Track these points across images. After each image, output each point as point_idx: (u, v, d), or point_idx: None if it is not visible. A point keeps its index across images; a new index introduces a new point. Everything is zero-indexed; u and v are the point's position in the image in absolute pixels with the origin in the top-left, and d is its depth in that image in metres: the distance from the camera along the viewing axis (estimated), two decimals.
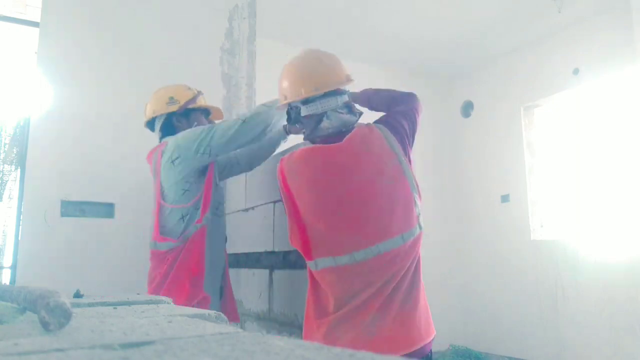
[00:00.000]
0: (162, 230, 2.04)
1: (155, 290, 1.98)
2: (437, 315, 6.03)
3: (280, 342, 0.55)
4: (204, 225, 2.05)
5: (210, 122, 2.28)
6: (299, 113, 1.72)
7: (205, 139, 1.99)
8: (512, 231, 5.00)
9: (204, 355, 0.50)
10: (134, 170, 3.00)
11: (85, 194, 2.90)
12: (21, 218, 2.81)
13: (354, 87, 1.89)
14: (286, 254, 2.36)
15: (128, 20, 3.19)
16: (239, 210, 2.95)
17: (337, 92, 1.70)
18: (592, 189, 4.48)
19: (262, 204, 2.62)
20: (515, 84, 5.14)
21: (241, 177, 2.95)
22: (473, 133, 5.62)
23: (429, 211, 5.56)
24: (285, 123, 1.86)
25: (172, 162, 2.02)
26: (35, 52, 2.97)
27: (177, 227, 2.03)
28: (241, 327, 2.57)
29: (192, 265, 2.00)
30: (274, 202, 2.48)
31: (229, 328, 0.72)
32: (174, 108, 2.15)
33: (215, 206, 2.16)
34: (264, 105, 2.09)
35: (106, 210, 2.94)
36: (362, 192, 1.60)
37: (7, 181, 3.06)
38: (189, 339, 0.60)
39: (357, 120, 1.74)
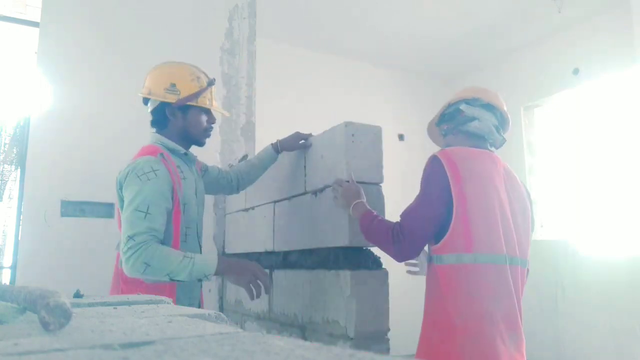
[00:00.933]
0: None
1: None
2: None
3: (280, 342, 0.55)
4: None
5: (210, 121, 2.01)
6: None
7: (128, 209, 1.67)
8: None
9: (204, 355, 0.50)
10: None
11: (85, 194, 2.90)
12: (21, 218, 2.81)
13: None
14: (286, 254, 2.37)
15: (128, 20, 3.19)
16: (239, 210, 2.96)
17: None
18: (592, 188, 4.48)
19: (262, 204, 2.62)
20: (515, 84, 5.14)
21: None
22: None
23: None
24: None
25: (118, 187, 1.81)
26: (35, 52, 2.97)
27: (142, 267, 1.68)
28: (241, 327, 2.57)
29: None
30: (274, 202, 2.48)
31: (229, 328, 0.72)
32: (171, 99, 1.87)
33: (184, 233, 1.88)
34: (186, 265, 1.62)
35: (106, 210, 2.94)
36: (521, 205, 1.75)
37: (7, 181, 3.06)
38: (189, 339, 0.60)
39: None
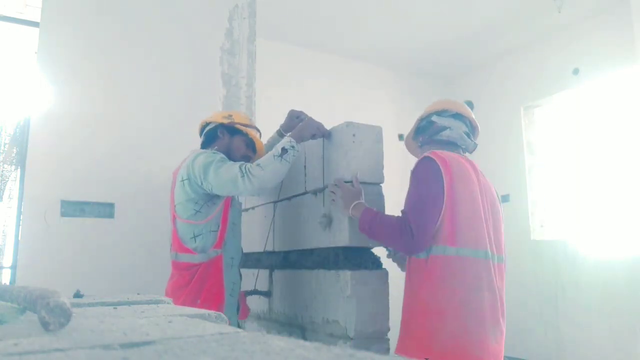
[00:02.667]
0: (180, 243, 2.10)
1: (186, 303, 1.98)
2: None
3: (280, 342, 0.55)
4: (220, 254, 2.10)
5: (249, 150, 2.27)
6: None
7: (208, 173, 1.99)
8: (512, 231, 4.99)
9: (204, 355, 0.50)
10: (134, 170, 3.00)
11: (85, 194, 2.90)
12: (21, 218, 2.81)
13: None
14: (286, 254, 2.37)
15: (128, 20, 3.19)
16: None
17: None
18: (592, 188, 4.48)
19: (262, 204, 2.62)
20: (515, 84, 5.14)
21: None
22: None
23: None
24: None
25: (182, 181, 2.07)
26: (35, 52, 2.97)
27: (191, 242, 2.08)
28: (241, 327, 2.57)
29: (214, 292, 2.06)
30: (274, 202, 2.48)
31: (229, 328, 0.72)
32: (226, 120, 2.24)
33: (231, 228, 2.19)
34: (274, 157, 1.97)
35: (106, 210, 2.94)
36: (494, 205, 1.87)
37: (7, 181, 3.06)
38: (189, 339, 0.60)
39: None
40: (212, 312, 0.92)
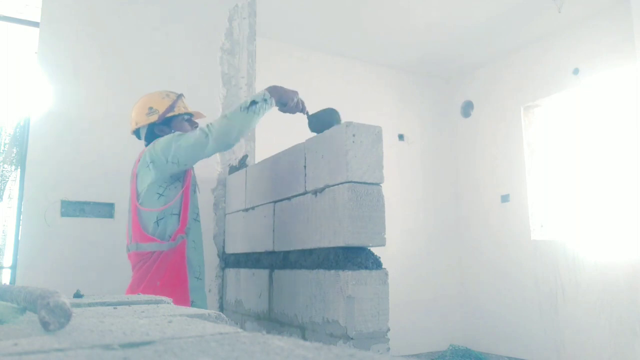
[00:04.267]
0: (142, 232, 2.10)
1: (135, 286, 2.06)
2: (437, 315, 6.03)
3: (280, 342, 0.55)
4: (184, 239, 2.14)
5: (193, 125, 2.29)
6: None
7: (171, 148, 2.02)
8: (512, 231, 5.00)
9: (204, 355, 0.50)
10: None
11: (85, 194, 2.90)
12: (21, 218, 2.81)
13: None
14: (286, 254, 2.37)
15: (128, 20, 3.19)
16: (239, 210, 2.95)
17: None
18: (592, 189, 4.48)
19: (262, 204, 2.62)
20: (515, 84, 5.14)
21: (241, 177, 2.95)
22: (473, 133, 5.62)
23: (429, 211, 5.58)
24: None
25: (147, 166, 2.09)
26: (35, 52, 2.97)
27: (154, 230, 2.10)
28: (241, 327, 2.57)
29: (176, 272, 2.09)
30: (274, 202, 2.48)
31: (229, 328, 0.72)
32: (153, 118, 2.20)
33: (194, 212, 2.22)
34: (241, 108, 1.96)
35: (106, 210, 2.94)
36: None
37: (7, 181, 3.06)
38: (189, 339, 0.60)
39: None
40: (212, 312, 0.92)
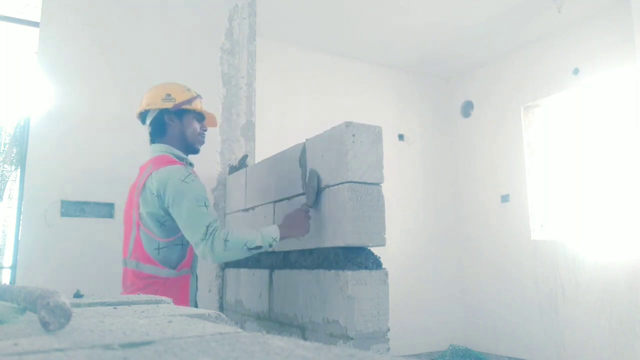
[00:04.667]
0: (145, 252, 2.00)
1: None
2: (437, 315, 6.01)
3: (280, 342, 0.55)
4: (189, 273, 2.09)
5: (202, 128, 2.22)
6: None
7: (178, 210, 1.89)
8: (512, 231, 5.00)
9: (204, 355, 0.50)
10: (134, 170, 2.99)
11: (85, 194, 2.90)
12: (21, 218, 2.81)
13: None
14: (286, 254, 2.37)
15: (128, 20, 3.19)
16: (239, 210, 2.95)
17: None
18: (592, 189, 4.48)
19: (262, 204, 2.62)
20: (515, 84, 5.14)
21: (241, 177, 2.95)
22: (473, 133, 5.62)
23: (429, 211, 5.57)
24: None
25: (152, 194, 1.96)
26: (35, 52, 2.97)
27: (156, 255, 1.99)
28: (241, 327, 2.57)
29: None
30: (274, 202, 2.48)
31: (229, 328, 0.72)
32: (168, 105, 2.10)
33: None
34: (250, 250, 1.89)
35: (106, 210, 2.94)
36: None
37: (7, 181, 3.06)
38: (189, 339, 0.60)
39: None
40: (212, 312, 0.92)
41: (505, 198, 5.14)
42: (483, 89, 5.55)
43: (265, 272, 2.53)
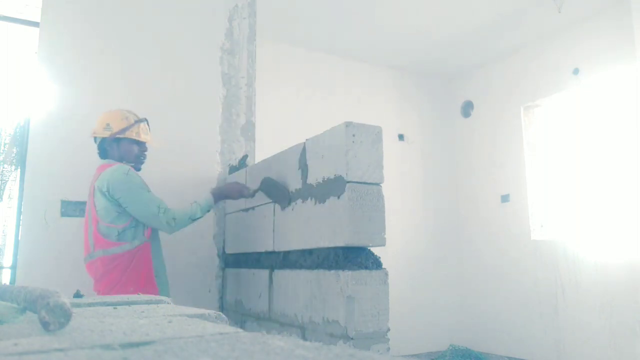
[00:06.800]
0: (106, 241, 2.34)
1: (107, 290, 2.29)
2: (437, 315, 6.00)
3: (280, 342, 0.55)
4: (148, 241, 2.41)
5: (142, 149, 2.55)
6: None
7: (128, 200, 2.30)
8: (512, 231, 5.00)
9: (204, 355, 0.50)
10: None
11: (85, 194, 2.89)
12: (21, 218, 2.81)
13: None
14: (286, 254, 2.37)
15: (128, 20, 3.19)
16: (239, 210, 2.95)
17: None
18: (592, 188, 4.48)
19: (262, 204, 2.62)
20: (515, 84, 5.14)
21: (241, 177, 2.95)
22: (473, 133, 5.62)
23: (429, 211, 5.58)
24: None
25: (102, 192, 2.32)
26: (35, 52, 2.97)
27: (118, 239, 2.34)
28: (241, 327, 2.57)
29: (144, 268, 2.38)
30: (274, 202, 2.48)
31: (229, 328, 0.72)
32: (106, 134, 2.45)
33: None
34: (192, 220, 2.44)
35: None
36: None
37: (7, 181, 3.06)
38: (189, 339, 0.60)
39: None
40: (212, 312, 0.92)
41: (505, 198, 5.15)
42: (483, 89, 5.55)
43: (265, 272, 2.53)
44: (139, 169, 2.54)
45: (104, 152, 2.51)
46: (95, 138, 2.53)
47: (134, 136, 2.48)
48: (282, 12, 4.32)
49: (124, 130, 2.45)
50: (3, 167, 3.06)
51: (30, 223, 2.77)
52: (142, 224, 2.38)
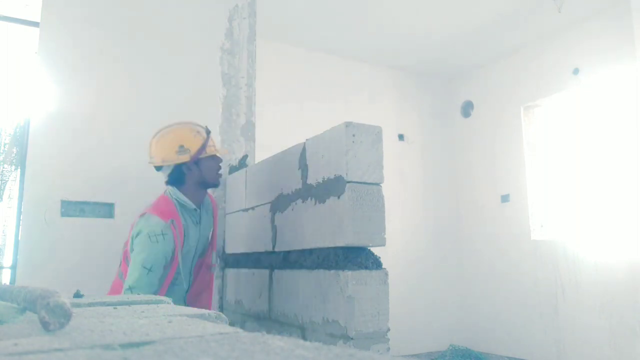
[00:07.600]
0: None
1: None
2: (437, 315, 6.01)
3: (280, 342, 0.55)
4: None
5: (218, 161, 2.33)
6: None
7: (132, 260, 2.08)
8: (512, 231, 5.00)
9: (204, 355, 0.50)
10: (134, 170, 3.00)
11: (85, 194, 2.90)
12: (21, 218, 2.81)
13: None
14: (286, 254, 2.37)
15: (128, 20, 3.19)
16: (239, 210, 2.95)
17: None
18: (592, 188, 4.48)
19: (262, 204, 2.62)
20: (515, 84, 5.14)
21: (241, 177, 2.95)
22: (473, 133, 5.62)
23: (429, 211, 5.57)
24: None
25: (132, 236, 2.14)
26: (35, 52, 2.97)
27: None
28: (241, 327, 2.57)
29: None
30: (274, 202, 2.48)
31: (229, 328, 0.72)
32: (185, 158, 2.16)
33: (175, 277, 2.25)
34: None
35: (106, 210, 2.94)
36: None
37: (7, 181, 3.06)
38: (189, 339, 0.60)
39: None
40: (212, 312, 0.92)
41: (505, 198, 5.15)
42: (483, 89, 5.55)
43: (265, 272, 2.53)
44: (218, 185, 2.36)
45: (178, 180, 2.21)
46: (160, 166, 2.22)
47: (213, 151, 2.23)
48: (282, 12, 4.32)
49: (202, 148, 2.18)
50: (3, 167, 3.06)
51: (30, 223, 2.77)
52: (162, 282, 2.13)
